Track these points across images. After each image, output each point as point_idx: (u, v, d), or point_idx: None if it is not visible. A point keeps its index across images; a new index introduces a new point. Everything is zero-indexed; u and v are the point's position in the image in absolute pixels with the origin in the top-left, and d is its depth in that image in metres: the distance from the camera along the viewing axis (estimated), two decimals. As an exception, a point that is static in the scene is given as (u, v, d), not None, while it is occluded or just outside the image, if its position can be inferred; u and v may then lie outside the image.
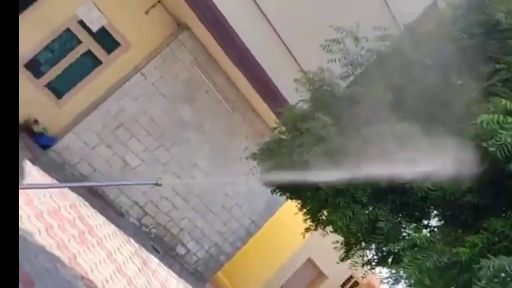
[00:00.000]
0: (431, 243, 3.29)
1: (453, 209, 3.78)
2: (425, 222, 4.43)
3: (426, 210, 4.30)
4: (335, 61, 4.82)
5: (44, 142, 8.12)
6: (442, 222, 4.24)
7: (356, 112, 4.29)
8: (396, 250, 3.58)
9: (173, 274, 8.69)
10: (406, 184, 3.81)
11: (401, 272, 3.44)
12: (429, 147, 3.46)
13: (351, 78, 4.79)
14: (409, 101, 4.11)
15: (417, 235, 3.47)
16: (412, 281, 3.35)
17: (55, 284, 4.37)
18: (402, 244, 3.48)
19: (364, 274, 4.84)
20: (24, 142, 7.49)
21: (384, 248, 4.00)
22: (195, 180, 9.26)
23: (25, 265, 4.16)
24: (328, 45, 4.71)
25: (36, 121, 8.15)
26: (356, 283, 14.43)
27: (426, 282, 3.26)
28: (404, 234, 4.17)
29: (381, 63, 4.60)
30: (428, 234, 3.63)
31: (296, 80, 4.89)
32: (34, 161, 6.96)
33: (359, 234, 4.45)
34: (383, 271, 4.58)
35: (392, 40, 4.58)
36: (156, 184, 1.33)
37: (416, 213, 4.25)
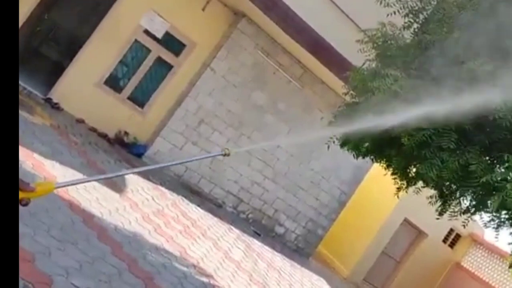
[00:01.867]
0: None
1: None
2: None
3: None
4: (394, 13, 4.72)
5: (137, 151, 8.69)
6: None
7: (427, 58, 4.19)
8: (491, 180, 3.45)
9: (276, 253, 8.98)
10: (493, 121, 3.67)
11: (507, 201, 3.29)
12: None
13: (414, 26, 4.65)
14: (482, 37, 3.93)
15: None
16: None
17: (172, 276, 4.75)
18: (496, 174, 3.36)
19: (464, 222, 4.73)
20: (119, 154, 8.09)
21: (480, 191, 3.87)
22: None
23: (142, 263, 4.58)
24: (385, -1, 4.63)
25: (126, 133, 8.74)
26: (458, 235, 13.91)
27: None
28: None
29: (444, 3, 4.43)
30: None
31: (358, 40, 4.84)
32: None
33: (452, 183, 4.36)
34: (484, 216, 4.45)
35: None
36: (225, 155, 1.43)
37: (509, 148, 4.07)
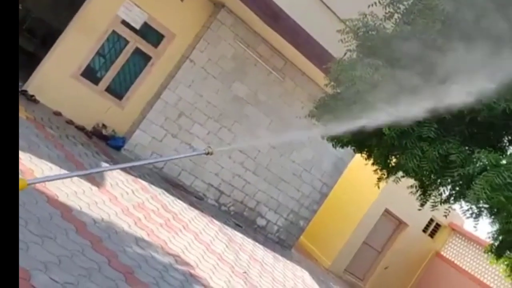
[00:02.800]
0: (505, 164, 3.19)
1: None
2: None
3: (499, 136, 4.15)
4: (375, 4, 4.71)
5: (115, 143, 8.54)
6: None
7: (408, 48, 4.19)
8: (468, 173, 3.49)
9: (258, 245, 8.98)
10: (472, 114, 3.71)
11: (476, 194, 3.34)
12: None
13: (396, 16, 4.65)
14: (462, 28, 3.95)
15: (487, 156, 3.37)
16: (485, 201, 3.25)
17: (153, 270, 4.70)
18: (473, 167, 3.40)
19: (445, 212, 4.78)
20: (97, 146, 7.95)
21: (459, 181, 3.91)
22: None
23: (122, 257, 4.51)
24: (366, -11, 4.61)
25: (104, 125, 8.58)
26: (438, 225, 14.14)
27: (502, 199, 3.16)
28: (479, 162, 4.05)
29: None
30: (499, 156, 3.49)
31: (339, 31, 4.82)
32: (110, 163, 7.40)
33: (432, 173, 4.40)
34: (464, 206, 4.50)
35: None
36: (208, 154, 1.39)
37: (488, 141, 4.12)
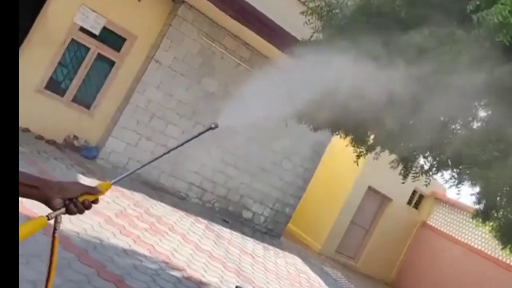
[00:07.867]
0: None
1: None
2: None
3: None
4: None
5: (89, 153, 8.35)
6: None
7: (373, 25, 4.16)
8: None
9: (247, 238, 8.96)
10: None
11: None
12: None
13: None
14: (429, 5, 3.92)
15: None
16: None
17: (144, 275, 4.63)
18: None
19: (426, 182, 4.80)
20: (71, 158, 7.75)
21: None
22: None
23: (110, 266, 4.42)
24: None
25: (75, 137, 8.37)
26: (421, 196, 14.36)
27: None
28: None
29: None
30: None
31: (302, 12, 4.77)
32: (86, 174, 7.23)
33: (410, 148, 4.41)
34: (445, 175, 4.52)
35: None
36: (212, 128, 1.40)
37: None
